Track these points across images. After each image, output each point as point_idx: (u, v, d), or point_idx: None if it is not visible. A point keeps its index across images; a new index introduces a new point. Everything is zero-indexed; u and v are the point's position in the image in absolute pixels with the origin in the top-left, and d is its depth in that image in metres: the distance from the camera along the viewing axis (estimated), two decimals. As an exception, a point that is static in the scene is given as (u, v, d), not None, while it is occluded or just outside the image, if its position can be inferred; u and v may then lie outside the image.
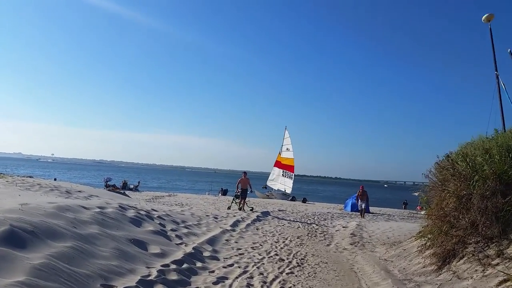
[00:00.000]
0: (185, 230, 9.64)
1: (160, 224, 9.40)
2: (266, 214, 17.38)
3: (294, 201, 37.33)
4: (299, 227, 14.59)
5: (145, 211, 10.17)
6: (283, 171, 41.22)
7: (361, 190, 21.90)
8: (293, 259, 8.44)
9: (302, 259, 8.56)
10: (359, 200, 21.99)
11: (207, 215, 13.53)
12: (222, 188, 41.68)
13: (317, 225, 15.92)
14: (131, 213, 9.21)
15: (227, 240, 9.88)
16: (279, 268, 7.41)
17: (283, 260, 8.22)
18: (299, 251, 9.50)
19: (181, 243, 8.18)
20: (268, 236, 11.57)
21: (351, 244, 11.04)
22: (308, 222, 16.75)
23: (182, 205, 22.20)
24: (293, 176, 40.43)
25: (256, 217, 15.30)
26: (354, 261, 8.79)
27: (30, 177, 19.56)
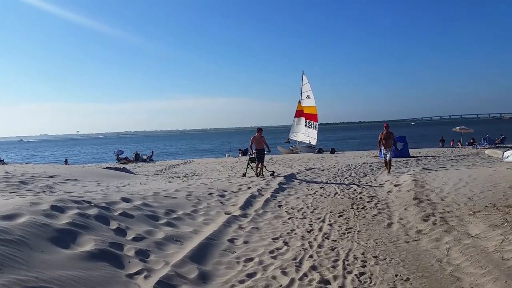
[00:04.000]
0: (162, 234, 5.94)
1: (117, 230, 5.74)
2: (291, 178, 13.64)
3: (321, 153, 33.52)
4: (337, 193, 10.81)
5: (100, 207, 6.52)
6: (306, 121, 37.13)
7: (385, 131, 14.97)
8: (345, 276, 4.68)
9: (361, 273, 4.78)
10: (382, 147, 15.13)
11: (210, 193, 9.86)
12: (240, 149, 38.12)
13: (358, 185, 12.13)
14: (65, 218, 5.56)
15: (231, 240, 6.18)
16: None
17: (328, 284, 4.48)
18: (350, 249, 5.73)
19: (138, 272, 4.50)
20: (296, 218, 7.84)
21: (424, 220, 7.18)
22: (346, 182, 12.97)
23: (194, 174, 18.86)
24: (317, 126, 36.33)
25: (278, 186, 11.58)
26: (452, 264, 4.96)
27: (1, 161, 16.37)
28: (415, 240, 6.13)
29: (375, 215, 8.00)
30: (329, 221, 7.52)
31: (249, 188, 11.08)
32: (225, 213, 7.88)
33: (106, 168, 19.80)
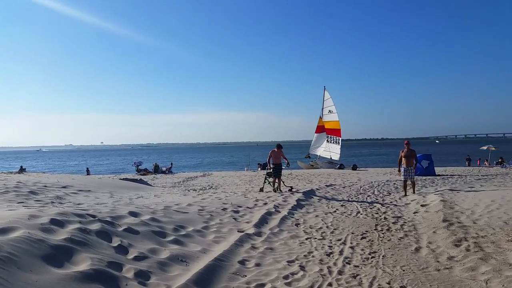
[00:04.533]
0: (167, 253, 5.47)
1: (118, 247, 5.30)
2: (310, 194, 13.04)
3: (343, 169, 32.76)
4: (359, 212, 10.17)
5: (104, 221, 6.11)
6: (328, 136, 36.43)
7: (406, 149, 13.58)
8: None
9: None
10: (404, 166, 13.58)
11: (224, 208, 9.38)
12: (259, 163, 37.59)
13: (382, 204, 11.44)
14: (64, 233, 5.16)
15: (242, 262, 5.66)
16: None
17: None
18: (374, 277, 5.12)
19: (135, 298, 4.04)
20: (315, 239, 7.26)
21: (456, 245, 6.50)
22: (368, 200, 12.29)
23: (211, 187, 18.49)
24: (340, 141, 35.59)
25: (296, 202, 11.02)
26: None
27: (22, 170, 16.31)
28: (447, 268, 5.46)
29: (401, 238, 7.34)
30: (351, 243, 6.91)
31: (265, 204, 10.56)
32: (238, 231, 7.37)
33: (123, 179, 19.58)
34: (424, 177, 21.03)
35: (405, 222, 8.74)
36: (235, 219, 8.47)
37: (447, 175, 23.05)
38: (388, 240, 7.14)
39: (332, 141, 36.11)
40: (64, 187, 12.25)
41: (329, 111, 36.94)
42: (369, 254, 6.22)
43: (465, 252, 6.06)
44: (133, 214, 7.14)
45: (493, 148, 37.04)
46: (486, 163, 35.43)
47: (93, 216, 6.32)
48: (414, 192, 13.50)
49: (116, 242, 5.46)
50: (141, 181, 18.87)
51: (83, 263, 4.49)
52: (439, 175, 22.75)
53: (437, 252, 6.34)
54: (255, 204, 10.40)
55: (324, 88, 37.80)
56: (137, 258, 5.07)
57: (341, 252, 6.30)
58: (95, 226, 5.77)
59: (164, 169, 37.48)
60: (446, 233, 7.34)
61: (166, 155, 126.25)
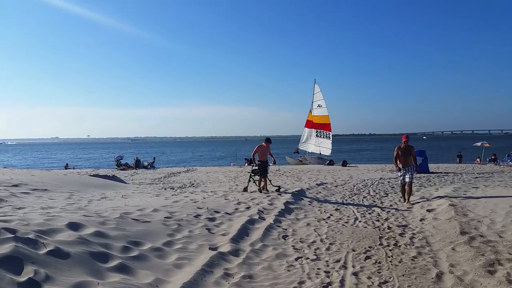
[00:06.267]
0: (99, 291, 3.86)
1: (27, 283, 3.66)
2: (299, 195, 11.50)
3: (332, 165, 31.39)
4: (357, 218, 8.67)
5: (23, 239, 4.44)
6: (317, 131, 35.00)
7: (403, 145, 11.12)
8: None
9: None
10: (401, 165, 11.12)
11: (197, 215, 7.77)
12: (246, 158, 36.01)
13: (382, 208, 9.98)
14: None
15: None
16: None
17: None
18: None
19: None
20: (307, 259, 5.70)
21: (489, 272, 5.00)
22: (366, 203, 10.82)
23: (192, 185, 16.96)
24: (331, 136, 34.15)
25: (284, 206, 9.47)
26: None
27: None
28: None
29: (414, 257, 5.84)
30: (353, 266, 5.37)
31: (248, 208, 8.99)
32: (210, 248, 5.78)
33: (93, 175, 17.84)
34: (418, 175, 19.74)
35: (414, 234, 7.25)
36: (208, 229, 6.88)
37: (441, 172, 21.83)
38: (399, 262, 5.62)
39: (322, 136, 34.71)
40: (16, 185, 10.52)
41: (318, 105, 35.52)
42: (379, 285, 4.69)
43: (508, 285, 4.56)
44: (73, 226, 5.49)
45: (487, 145, 35.88)
46: (478, 160, 34.30)
47: (12, 232, 4.67)
48: (408, 201, 10.88)
49: (27, 274, 3.82)
50: (114, 178, 17.15)
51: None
52: (432, 173, 21.53)
53: (466, 282, 4.83)
54: (236, 209, 8.82)
55: (315, 81, 36.36)
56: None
57: (342, 283, 4.75)
58: (5, 249, 4.13)
59: (146, 164, 35.73)
60: (470, 252, 5.85)
61: (154, 149, 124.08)
